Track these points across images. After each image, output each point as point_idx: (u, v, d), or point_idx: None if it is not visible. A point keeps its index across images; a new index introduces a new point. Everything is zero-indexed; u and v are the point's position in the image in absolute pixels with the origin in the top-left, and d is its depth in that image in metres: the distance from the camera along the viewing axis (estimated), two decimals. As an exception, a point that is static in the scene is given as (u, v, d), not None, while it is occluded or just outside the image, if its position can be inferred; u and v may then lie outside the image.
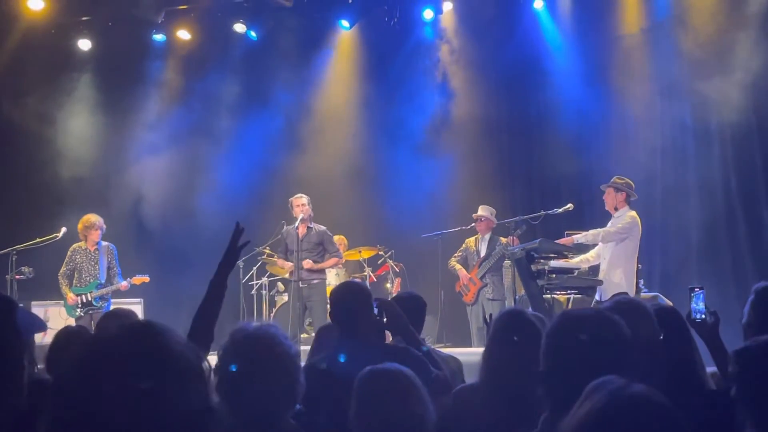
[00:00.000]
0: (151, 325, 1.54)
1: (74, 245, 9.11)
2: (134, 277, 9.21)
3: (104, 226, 9.16)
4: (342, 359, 3.61)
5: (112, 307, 9.11)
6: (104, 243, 9.16)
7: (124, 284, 9.08)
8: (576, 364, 2.27)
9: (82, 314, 8.87)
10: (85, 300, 8.93)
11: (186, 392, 1.47)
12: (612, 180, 8.14)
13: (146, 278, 9.32)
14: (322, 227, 9.15)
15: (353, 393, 2.76)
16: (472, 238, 9.98)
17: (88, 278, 9.00)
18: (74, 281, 9.02)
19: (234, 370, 2.49)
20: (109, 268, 9.10)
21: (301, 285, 8.83)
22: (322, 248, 9.06)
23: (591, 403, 1.64)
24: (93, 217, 9.08)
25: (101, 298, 9.00)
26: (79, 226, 9.07)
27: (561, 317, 2.45)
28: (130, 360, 1.46)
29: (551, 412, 2.37)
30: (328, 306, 8.90)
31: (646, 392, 1.62)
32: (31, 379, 2.35)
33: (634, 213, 8.00)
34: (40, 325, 2.66)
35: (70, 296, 8.93)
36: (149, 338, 1.50)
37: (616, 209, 8.05)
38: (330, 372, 3.50)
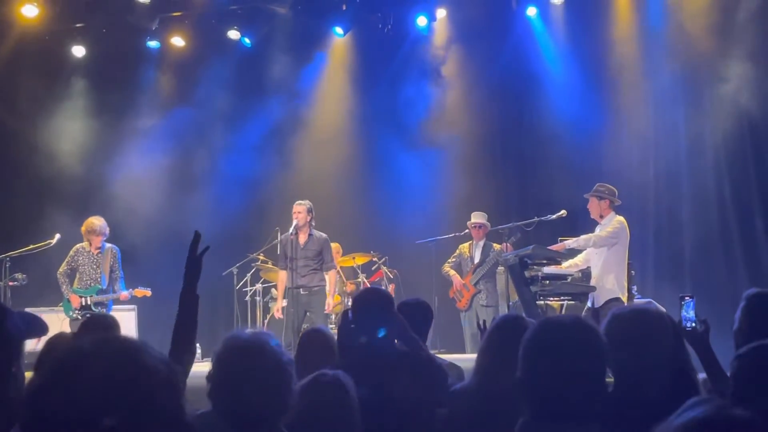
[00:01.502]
0: (124, 340, 1.56)
1: (77, 245, 9.04)
2: (136, 289, 9.15)
3: (107, 230, 9.10)
4: (382, 333, 3.65)
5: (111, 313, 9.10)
6: (108, 245, 9.10)
7: (124, 294, 9.02)
8: (553, 370, 2.29)
9: (79, 317, 8.79)
10: (84, 303, 8.89)
11: (158, 406, 1.49)
12: (594, 188, 8.17)
13: (148, 292, 9.25)
14: (324, 235, 9.08)
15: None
16: (466, 244, 10.02)
17: (89, 281, 8.94)
18: (75, 282, 8.98)
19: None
20: (111, 271, 9.06)
21: (302, 292, 8.80)
22: (322, 256, 9.03)
23: (693, 413, 1.65)
24: (96, 221, 9.01)
25: (99, 304, 8.97)
26: (83, 228, 9.00)
27: (539, 325, 2.48)
28: (102, 373, 1.48)
29: (528, 418, 2.39)
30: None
31: (749, 417, 1.64)
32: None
33: (621, 218, 8.04)
34: (41, 328, 2.60)
35: (74, 298, 8.86)
36: (122, 353, 1.52)
37: (601, 217, 8.10)
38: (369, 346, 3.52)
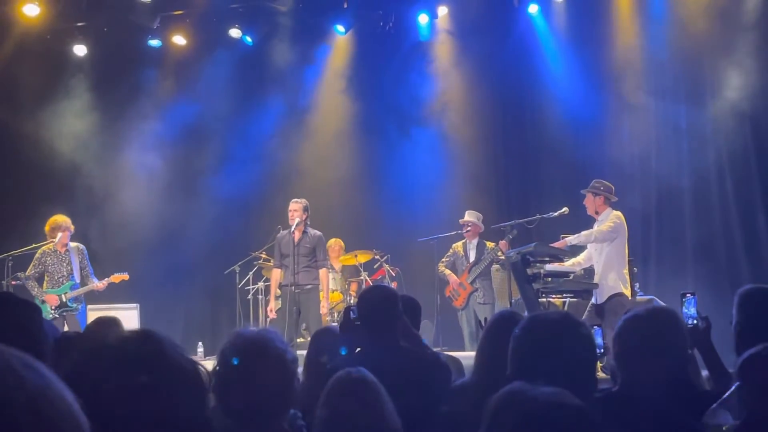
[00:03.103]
0: (151, 335, 1.55)
1: (43, 247, 8.96)
2: (113, 276, 9.12)
3: (72, 227, 9.04)
4: (344, 352, 3.62)
5: (88, 310, 9.07)
6: (73, 244, 9.06)
7: (100, 284, 8.99)
8: (541, 366, 2.29)
9: (57, 316, 8.76)
10: (59, 301, 8.86)
11: (182, 401, 1.48)
12: (591, 184, 8.18)
13: (125, 276, 9.20)
14: (318, 232, 9.09)
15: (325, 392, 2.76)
16: (460, 243, 10.06)
17: (61, 279, 8.90)
18: (44, 284, 8.92)
19: (236, 363, 2.50)
20: (81, 269, 9.02)
21: (295, 290, 8.81)
22: (315, 254, 9.03)
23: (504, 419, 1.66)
24: (59, 218, 8.97)
25: (75, 299, 8.92)
26: (47, 227, 8.95)
27: (528, 321, 2.48)
28: (129, 366, 1.47)
29: None
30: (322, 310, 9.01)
31: (553, 396, 1.64)
32: None
33: (618, 213, 8.05)
34: (55, 329, 2.67)
35: (50, 297, 8.80)
36: (150, 346, 1.51)
37: (597, 213, 8.10)
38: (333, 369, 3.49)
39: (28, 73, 11.17)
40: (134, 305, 9.91)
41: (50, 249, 8.96)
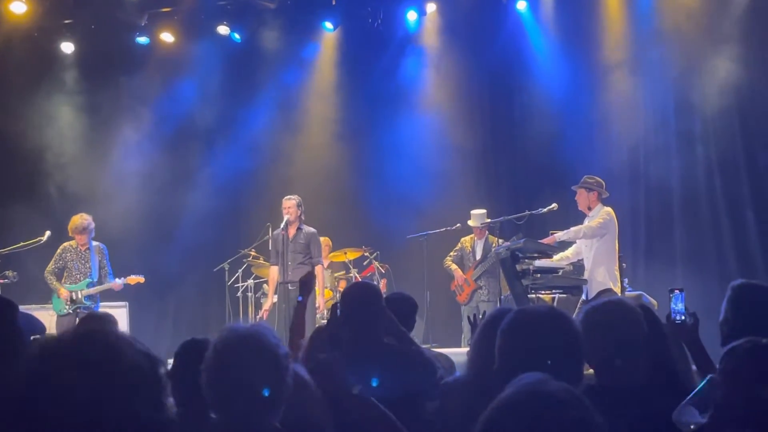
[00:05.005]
0: (106, 334, 1.56)
1: (65, 243, 9.06)
2: (129, 277, 9.17)
3: (93, 226, 9.08)
4: (375, 383, 3.57)
5: (100, 308, 9.11)
6: (95, 243, 9.13)
7: (117, 284, 9.05)
8: (528, 360, 2.30)
9: (70, 311, 8.80)
10: (74, 297, 8.88)
11: (135, 401, 1.49)
12: (582, 180, 8.20)
13: (141, 278, 9.26)
14: (312, 229, 9.06)
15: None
16: (468, 237, 10.07)
17: (78, 276, 8.95)
18: (63, 279, 8.96)
19: (267, 395, 2.47)
20: (100, 268, 9.07)
21: (290, 287, 8.78)
22: (309, 250, 9.01)
23: (505, 393, 1.67)
24: (78, 219, 9.02)
25: (90, 297, 8.95)
26: (69, 226, 9.04)
27: (514, 315, 2.48)
28: (78, 367, 1.49)
29: None
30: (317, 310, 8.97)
31: (559, 391, 1.64)
32: None
33: (609, 209, 8.08)
34: (40, 328, 2.66)
35: (63, 291, 8.86)
36: (101, 348, 1.52)
37: (589, 208, 8.13)
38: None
39: (15, 70, 11.13)
40: (123, 304, 9.87)
41: (72, 246, 9.05)
